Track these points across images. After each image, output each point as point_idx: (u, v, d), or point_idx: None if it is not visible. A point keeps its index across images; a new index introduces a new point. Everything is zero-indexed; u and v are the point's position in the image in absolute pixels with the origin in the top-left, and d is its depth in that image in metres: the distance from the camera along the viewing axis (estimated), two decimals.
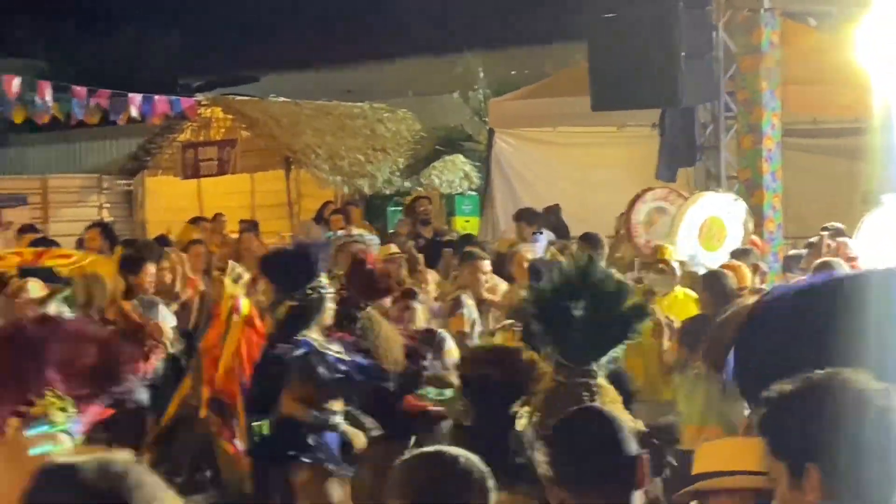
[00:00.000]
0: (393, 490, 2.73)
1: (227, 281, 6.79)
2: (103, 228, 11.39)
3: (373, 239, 10.42)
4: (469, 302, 8.49)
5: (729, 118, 12.31)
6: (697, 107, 12.23)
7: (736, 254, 9.33)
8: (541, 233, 11.56)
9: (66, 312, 6.43)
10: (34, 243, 9.97)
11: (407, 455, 2.81)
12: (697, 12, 11.74)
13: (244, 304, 6.69)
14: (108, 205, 19.10)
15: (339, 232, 12.00)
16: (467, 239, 11.70)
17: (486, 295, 8.79)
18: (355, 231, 11.22)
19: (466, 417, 4.50)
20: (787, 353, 3.90)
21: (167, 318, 6.79)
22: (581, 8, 12.49)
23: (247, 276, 6.97)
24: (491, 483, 2.73)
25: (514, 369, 4.39)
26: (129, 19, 30.55)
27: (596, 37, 12.00)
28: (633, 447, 3.10)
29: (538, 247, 10.62)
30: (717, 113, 12.28)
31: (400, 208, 16.65)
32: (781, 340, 4.10)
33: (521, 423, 4.11)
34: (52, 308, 6.45)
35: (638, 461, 3.08)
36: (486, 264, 8.98)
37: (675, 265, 8.87)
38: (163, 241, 11.58)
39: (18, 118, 16.52)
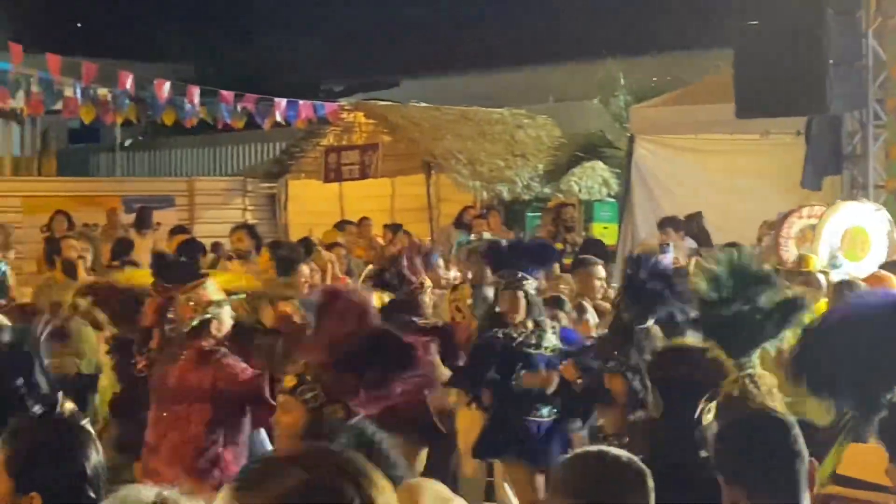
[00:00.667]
0: (557, 488, 2.78)
1: None
2: (249, 230, 11.63)
3: None
4: (590, 307, 8.52)
5: (878, 127, 12.07)
6: (845, 115, 12.02)
7: (887, 266, 9.15)
8: (668, 245, 11.43)
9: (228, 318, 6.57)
10: (183, 244, 10.24)
11: (570, 454, 2.87)
12: (846, 19, 11.54)
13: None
14: (251, 207, 19.47)
15: (472, 236, 12.09)
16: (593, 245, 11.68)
17: (599, 301, 8.79)
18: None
19: (657, 411, 4.78)
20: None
21: None
22: (726, 15, 12.39)
23: None
24: (651, 482, 2.78)
25: (701, 367, 4.57)
26: (274, 26, 31.14)
27: (742, 44, 11.87)
28: (804, 449, 3.14)
29: (666, 258, 10.52)
30: (865, 121, 12.05)
31: (538, 214, 16.66)
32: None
33: (706, 419, 4.25)
34: (227, 311, 6.57)
35: (810, 464, 3.13)
36: (600, 270, 8.99)
37: (821, 276, 8.75)
38: (307, 243, 11.80)
39: (168, 121, 16.98)
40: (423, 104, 19.28)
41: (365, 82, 29.54)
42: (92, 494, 3.16)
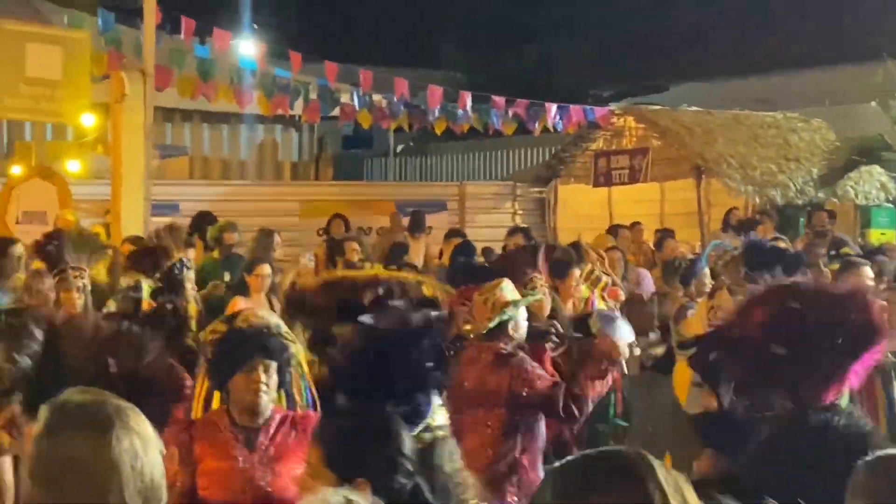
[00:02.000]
0: (857, 491, 2.76)
1: None
2: (526, 233, 11.77)
3: None
4: None
5: None
6: None
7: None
8: None
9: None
10: (459, 247, 10.46)
11: (871, 456, 2.84)
12: None
13: None
14: (521, 211, 19.69)
15: (727, 241, 11.85)
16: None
17: None
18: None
19: None
20: None
21: (624, 334, 6.57)
22: None
23: None
24: None
25: None
26: (544, 31, 31.35)
27: None
28: None
29: None
30: None
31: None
32: None
33: None
34: (523, 313, 6.61)
35: None
36: (867, 270, 8.68)
37: None
38: (576, 247, 11.86)
39: (440, 128, 17.34)
40: (695, 108, 19.07)
41: (633, 87, 29.41)
42: (403, 480, 3.42)
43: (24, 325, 3.77)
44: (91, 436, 2.68)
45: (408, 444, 3.52)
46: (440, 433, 3.70)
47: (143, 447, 2.71)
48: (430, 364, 3.75)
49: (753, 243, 8.77)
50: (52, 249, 7.75)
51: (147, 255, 8.28)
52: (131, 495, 2.65)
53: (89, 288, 7.74)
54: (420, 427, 3.59)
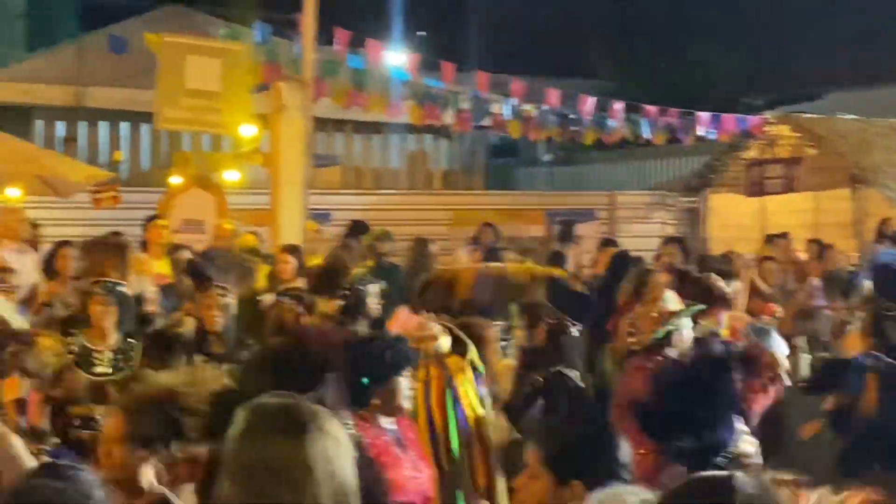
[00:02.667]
0: None
1: None
2: (681, 243, 11.64)
3: None
4: None
5: None
6: None
7: None
8: None
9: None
10: (616, 257, 10.38)
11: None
12: None
13: None
14: (671, 221, 19.51)
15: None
16: None
17: None
18: None
19: None
20: None
21: (780, 347, 6.46)
22: None
23: None
24: None
25: None
26: (697, 39, 31.00)
27: None
28: None
29: None
30: None
31: None
32: None
33: None
34: (687, 323, 6.59)
35: None
36: None
37: None
38: (728, 257, 11.71)
39: (590, 139, 17.28)
40: (851, 116, 18.67)
41: (786, 95, 28.92)
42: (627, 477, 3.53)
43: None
44: (286, 438, 2.73)
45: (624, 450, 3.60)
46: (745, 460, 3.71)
47: (337, 451, 2.75)
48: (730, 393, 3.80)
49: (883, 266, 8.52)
50: (199, 268, 7.93)
51: (327, 277, 8.46)
52: (325, 499, 2.69)
53: (231, 307, 7.85)
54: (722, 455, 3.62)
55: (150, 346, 7.10)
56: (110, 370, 7.24)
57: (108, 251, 7.88)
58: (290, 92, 12.32)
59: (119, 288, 7.51)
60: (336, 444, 2.77)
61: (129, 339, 7.41)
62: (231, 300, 7.81)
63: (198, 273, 8.02)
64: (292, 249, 10.59)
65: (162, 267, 10.79)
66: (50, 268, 9.74)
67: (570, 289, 8.46)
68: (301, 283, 9.80)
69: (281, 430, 2.75)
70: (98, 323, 7.38)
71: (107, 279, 7.51)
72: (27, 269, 9.06)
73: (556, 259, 11.78)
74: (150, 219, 11.78)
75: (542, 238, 17.37)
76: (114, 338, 7.40)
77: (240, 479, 2.73)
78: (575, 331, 7.49)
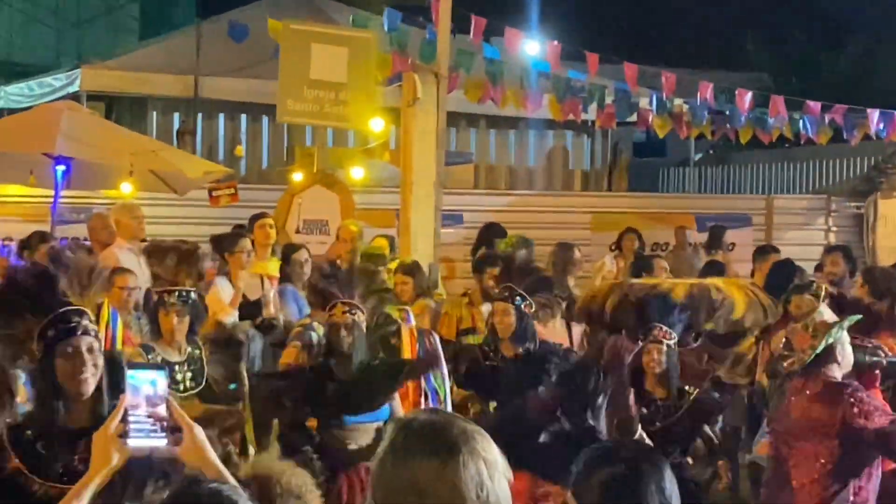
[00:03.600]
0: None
1: None
2: (845, 252, 11.44)
3: None
4: None
5: None
6: None
7: None
8: None
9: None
10: (776, 266, 10.26)
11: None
12: None
13: None
14: (835, 228, 19.16)
15: None
16: None
17: None
18: None
19: None
20: None
21: None
22: None
23: None
24: None
25: None
26: (864, 28, 30.36)
27: None
28: None
29: None
30: None
31: None
32: None
33: None
34: (846, 338, 6.50)
35: None
36: None
37: None
38: None
39: (745, 137, 17.05)
40: None
41: None
42: None
43: None
44: (436, 460, 2.75)
45: None
46: None
47: (490, 474, 2.74)
48: None
49: None
50: (323, 286, 7.90)
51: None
52: None
53: (363, 326, 7.77)
54: None
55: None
56: (192, 384, 7.44)
57: (178, 257, 7.95)
58: (422, 84, 12.36)
59: (192, 296, 7.63)
60: (489, 468, 2.77)
61: (195, 347, 7.61)
62: (360, 317, 7.75)
63: (319, 291, 8.05)
64: (410, 269, 10.63)
65: (269, 268, 10.91)
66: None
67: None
68: (422, 304, 9.88)
69: (429, 451, 2.77)
70: (172, 334, 7.56)
71: (180, 288, 7.61)
72: (144, 271, 9.22)
73: (714, 269, 11.62)
74: (256, 217, 11.95)
75: (675, 246, 17.17)
76: (186, 349, 7.60)
77: (385, 500, 2.76)
78: None
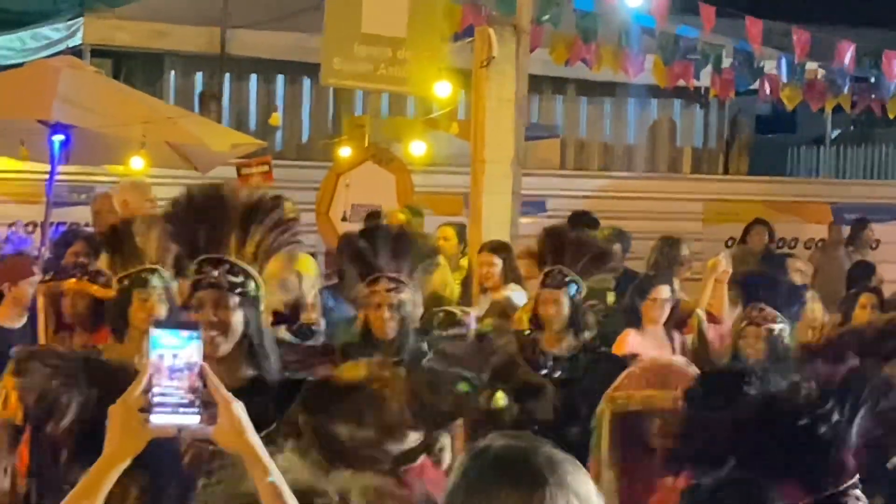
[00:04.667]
0: None
1: None
2: None
3: None
4: None
5: None
6: None
7: None
8: None
9: None
10: None
11: None
12: None
13: None
14: None
15: None
16: None
17: None
18: None
19: None
20: None
21: None
22: None
23: None
24: None
25: None
26: None
27: None
28: None
29: None
30: None
31: None
32: None
33: None
34: None
35: None
36: None
37: None
38: None
39: (893, 110, 16.90)
40: None
41: None
42: None
43: None
44: (516, 492, 2.83)
45: None
46: None
47: None
48: None
49: None
50: (360, 250, 7.75)
51: None
52: None
53: (410, 307, 7.64)
54: None
55: None
56: None
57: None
58: (499, 40, 12.31)
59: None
60: (580, 502, 2.85)
61: None
62: (407, 296, 7.61)
63: (361, 259, 7.89)
64: (500, 248, 10.59)
65: (307, 265, 10.91)
66: (180, 263, 9.89)
67: None
68: (510, 290, 9.81)
69: (509, 481, 2.84)
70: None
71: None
72: None
73: (863, 271, 11.54)
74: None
75: (826, 243, 17.12)
76: None
77: None
78: None
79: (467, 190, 12.73)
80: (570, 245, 8.46)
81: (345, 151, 15.05)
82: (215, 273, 5.03)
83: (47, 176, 12.47)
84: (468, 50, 13.10)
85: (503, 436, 2.98)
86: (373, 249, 7.40)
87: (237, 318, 4.99)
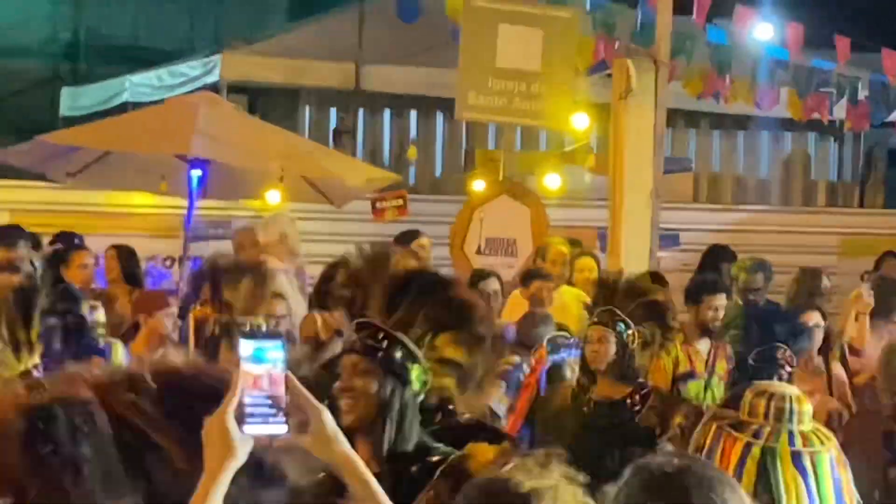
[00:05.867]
0: None
1: None
2: None
3: None
4: None
5: None
6: None
7: None
8: None
9: None
10: None
11: None
12: None
13: None
14: None
15: None
16: None
17: None
18: None
19: None
20: None
21: None
22: None
23: None
24: None
25: None
26: None
27: None
28: None
29: None
30: None
31: None
32: None
33: None
34: None
35: None
36: None
37: None
38: None
39: None
40: None
41: None
42: None
43: None
44: None
45: None
46: None
47: None
48: None
49: None
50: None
51: None
52: None
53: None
54: None
55: None
56: None
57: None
58: (637, 73, 12.25)
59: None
60: None
61: None
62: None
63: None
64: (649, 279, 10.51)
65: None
66: (322, 296, 9.89)
67: None
68: None
69: (664, 499, 2.90)
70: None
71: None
72: (297, 295, 9.23)
73: None
74: (409, 236, 11.98)
75: None
76: None
77: None
78: None
79: (600, 224, 12.67)
80: (620, 293, 8.52)
81: (479, 185, 15.00)
82: (358, 337, 4.95)
83: (185, 210, 12.55)
84: (599, 83, 13.08)
85: (665, 452, 3.01)
86: None
87: (371, 386, 4.88)
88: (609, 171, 12.56)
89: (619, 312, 8.24)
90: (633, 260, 12.00)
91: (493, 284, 11.12)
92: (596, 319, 8.36)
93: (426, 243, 12.47)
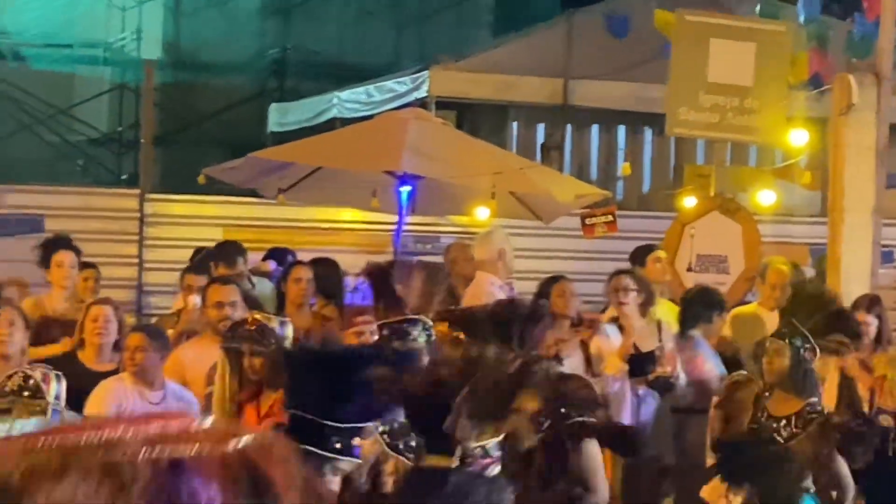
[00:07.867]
0: None
1: None
2: None
3: None
4: None
5: None
6: None
7: None
8: None
9: None
10: None
11: None
12: None
13: None
14: None
15: None
16: None
17: None
18: None
19: None
20: None
21: None
22: None
23: None
24: None
25: None
26: None
27: None
28: None
29: None
30: None
31: None
32: None
33: None
34: None
35: None
36: None
37: None
38: None
39: None
40: None
41: None
42: None
43: None
44: None
45: None
46: None
47: None
48: None
49: None
50: None
51: None
52: None
53: None
54: None
55: None
56: None
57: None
58: (858, 88, 11.98)
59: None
60: None
61: None
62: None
63: None
64: (873, 303, 10.25)
65: (667, 312, 10.75)
66: None
67: None
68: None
69: None
70: None
71: None
72: None
73: None
74: (645, 251, 11.81)
75: None
76: None
77: None
78: None
79: (812, 240, 12.43)
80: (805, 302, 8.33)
81: (690, 201, 14.81)
82: None
83: (394, 226, 12.57)
84: (814, 99, 12.84)
85: None
86: None
87: None
88: (826, 188, 12.32)
89: (799, 326, 8.07)
90: (852, 279, 11.73)
91: None
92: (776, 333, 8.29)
93: (663, 256, 12.32)
